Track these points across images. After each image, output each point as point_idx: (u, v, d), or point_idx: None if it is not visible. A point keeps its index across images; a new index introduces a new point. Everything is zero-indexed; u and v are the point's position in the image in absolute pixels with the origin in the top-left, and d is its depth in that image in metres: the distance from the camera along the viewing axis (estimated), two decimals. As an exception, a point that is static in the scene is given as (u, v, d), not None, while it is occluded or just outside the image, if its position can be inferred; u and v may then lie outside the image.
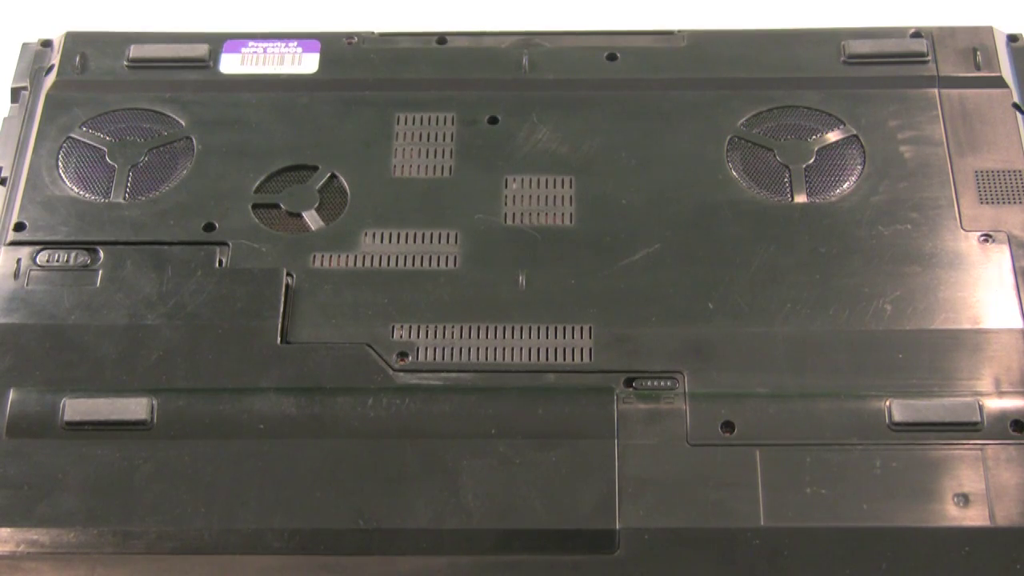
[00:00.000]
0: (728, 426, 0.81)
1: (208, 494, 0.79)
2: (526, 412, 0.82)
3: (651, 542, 0.78)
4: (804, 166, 0.92)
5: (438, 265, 0.88)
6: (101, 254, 0.89)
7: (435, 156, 0.94)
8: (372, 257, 0.89)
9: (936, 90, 0.96)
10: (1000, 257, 0.88)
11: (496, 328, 0.85)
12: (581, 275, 0.87)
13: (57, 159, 0.94)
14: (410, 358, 0.84)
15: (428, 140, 0.94)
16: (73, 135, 0.95)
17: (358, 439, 0.81)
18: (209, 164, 0.93)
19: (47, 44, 1.02)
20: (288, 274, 0.88)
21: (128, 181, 0.93)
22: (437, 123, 0.95)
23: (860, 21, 1.08)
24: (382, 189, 0.92)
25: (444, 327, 0.85)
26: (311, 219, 0.91)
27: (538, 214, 0.91)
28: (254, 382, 0.83)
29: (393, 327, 0.85)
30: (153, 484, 0.80)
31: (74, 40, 1.00)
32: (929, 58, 0.97)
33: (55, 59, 0.99)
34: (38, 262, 0.88)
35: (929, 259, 0.88)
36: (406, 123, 0.95)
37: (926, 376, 0.83)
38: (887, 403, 0.81)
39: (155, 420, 0.82)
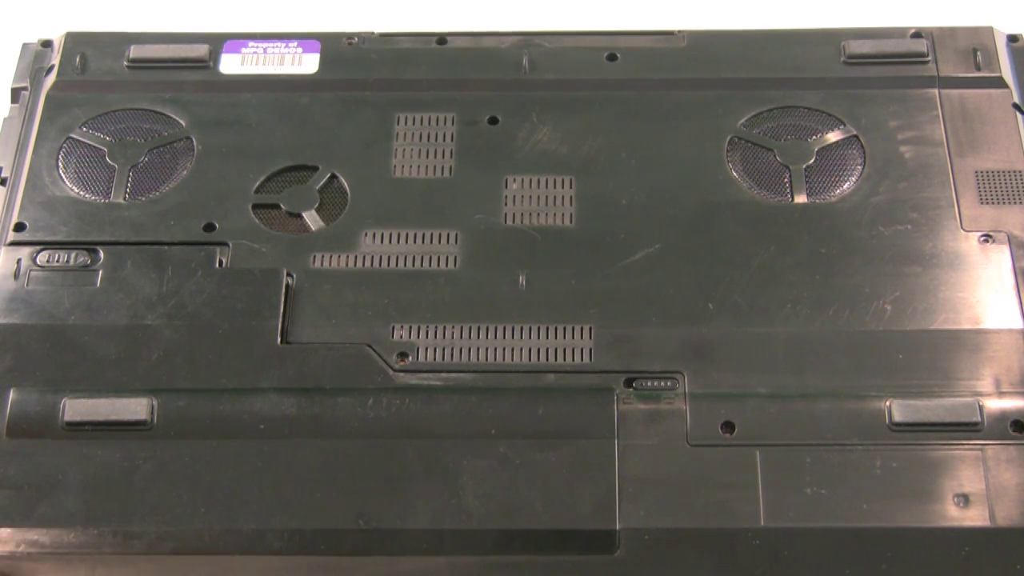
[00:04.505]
0: (728, 426, 0.81)
1: (208, 494, 0.79)
2: (526, 412, 0.82)
3: (651, 542, 0.78)
4: (804, 166, 0.92)
5: (438, 265, 0.88)
6: (101, 254, 0.89)
7: (435, 156, 0.94)
8: (372, 257, 0.89)
9: (936, 90, 0.96)
10: (1000, 257, 0.88)
11: (496, 328, 0.85)
12: (581, 275, 0.87)
13: (57, 159, 0.94)
14: (410, 358, 0.84)
15: (428, 140, 0.94)
16: (73, 135, 0.95)
17: (358, 439, 0.81)
18: (209, 164, 0.93)
19: (47, 44, 1.02)
20: (288, 274, 0.88)
21: (128, 181, 0.93)
22: (437, 123, 0.95)
23: (860, 21, 1.08)
24: (382, 189, 0.92)
25: (444, 327, 0.85)
26: (311, 219, 0.91)
27: (538, 214, 0.91)
28: (254, 382, 0.83)
29: (393, 327, 0.85)
30: (153, 484, 0.80)
31: (74, 40, 1.00)
32: (929, 58, 0.97)
33: (55, 59, 0.99)
34: (38, 262, 0.88)
35: (929, 259, 0.88)
36: (406, 123, 0.95)
37: (926, 376, 0.83)
38: (887, 403, 0.81)
39: (155, 420, 0.82)
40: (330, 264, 0.89)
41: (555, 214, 0.91)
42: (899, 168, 0.92)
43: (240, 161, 0.93)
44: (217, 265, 0.88)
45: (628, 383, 0.83)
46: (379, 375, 0.83)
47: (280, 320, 0.86)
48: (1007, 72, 0.97)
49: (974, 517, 0.78)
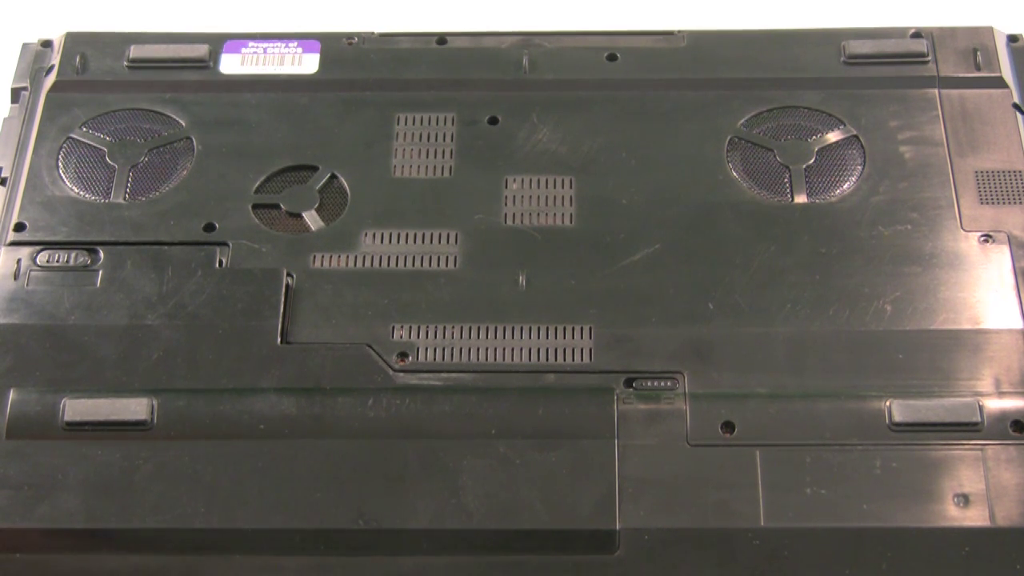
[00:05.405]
0: (728, 426, 0.81)
1: (208, 494, 0.79)
2: (526, 412, 0.82)
3: (651, 542, 0.78)
4: (804, 166, 0.92)
5: (438, 265, 0.88)
6: (101, 254, 0.89)
7: (435, 156, 0.94)
8: (372, 257, 0.89)
9: (936, 90, 0.96)
10: (1000, 257, 0.88)
11: (496, 328, 0.85)
12: (581, 275, 0.87)
13: (57, 159, 0.94)
14: (410, 358, 0.84)
15: (428, 140, 0.94)
16: (73, 135, 0.95)
17: (358, 439, 0.81)
18: (209, 164, 0.93)
19: (47, 44, 1.02)
20: (288, 274, 0.88)
21: (128, 181, 0.93)
22: (437, 123, 0.95)
23: (860, 21, 1.08)
24: (382, 189, 0.92)
25: (444, 327, 0.85)
26: (311, 219, 0.91)
27: (538, 214, 0.91)
28: (254, 382, 0.83)
29: (393, 327, 0.85)
30: (153, 484, 0.80)
31: (74, 40, 1.00)
32: (929, 58, 0.97)
33: (55, 59, 0.99)
34: (38, 262, 0.88)
35: (929, 259, 0.88)
36: (406, 123, 0.95)
37: (926, 376, 0.83)
38: (887, 403, 0.81)
39: (155, 420, 0.82)
40: (330, 264, 0.89)
41: (555, 214, 0.91)
42: (899, 168, 0.92)
43: (240, 161, 0.93)
44: (217, 265, 0.88)
45: (628, 383, 0.83)
46: (379, 375, 0.83)
47: (280, 320, 0.85)
48: (1007, 72, 0.97)
49: (974, 517, 0.78)
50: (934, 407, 0.81)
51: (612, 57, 0.98)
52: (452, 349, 0.85)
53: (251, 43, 1.00)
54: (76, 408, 0.82)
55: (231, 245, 0.89)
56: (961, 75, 0.96)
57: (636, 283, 0.87)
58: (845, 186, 0.91)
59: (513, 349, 0.84)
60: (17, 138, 0.96)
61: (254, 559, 0.79)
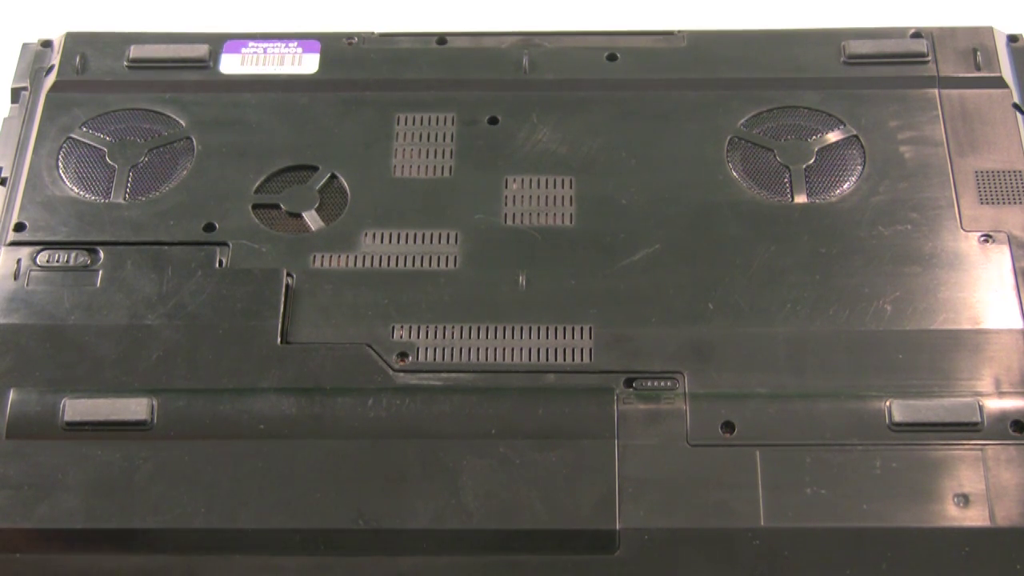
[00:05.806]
0: (728, 426, 0.81)
1: (208, 494, 0.79)
2: (526, 412, 0.82)
3: (651, 542, 0.78)
4: (804, 166, 0.92)
5: (438, 265, 0.88)
6: (101, 254, 0.89)
7: (435, 156, 0.94)
8: (372, 257, 0.89)
9: (936, 90, 0.96)
10: (1000, 257, 0.88)
11: (496, 328, 0.85)
12: (581, 275, 0.87)
13: (57, 159, 0.94)
14: (410, 358, 0.84)
15: (428, 140, 0.94)
16: (73, 135, 0.95)
17: (358, 439, 0.81)
18: (209, 164, 0.93)
19: (47, 44, 1.02)
20: (288, 274, 0.88)
21: (128, 181, 0.93)
22: (437, 123, 0.95)
23: (860, 21, 1.08)
24: (382, 189, 0.92)
25: (444, 327, 0.85)
26: (311, 219, 0.91)
27: (538, 214, 0.91)
28: (254, 382, 0.83)
29: (393, 327, 0.85)
30: (153, 484, 0.80)
31: (74, 40, 1.00)
32: (929, 58, 0.97)
33: (55, 59, 0.99)
34: (38, 262, 0.88)
35: (929, 259, 0.88)
36: (406, 123, 0.95)
37: (926, 376, 0.83)
38: (887, 403, 0.81)
39: (155, 420, 0.82)
40: (330, 264, 0.89)
41: (555, 214, 0.91)
42: (899, 168, 0.92)
43: (240, 161, 0.93)
44: (217, 265, 0.88)
45: (628, 383, 0.83)
46: (379, 375, 0.83)
47: (280, 320, 0.86)
48: (1007, 72, 0.97)
49: (974, 517, 0.78)
50: (934, 407, 0.81)
51: (612, 57, 0.98)
52: (452, 349, 0.85)
53: (251, 43, 1.00)
54: (76, 408, 0.82)
55: (231, 245, 0.89)
56: (961, 75, 0.96)
57: (636, 283, 0.87)
58: (845, 186, 0.91)
59: (513, 349, 0.84)
60: (17, 138, 0.96)
61: (254, 559, 0.79)
